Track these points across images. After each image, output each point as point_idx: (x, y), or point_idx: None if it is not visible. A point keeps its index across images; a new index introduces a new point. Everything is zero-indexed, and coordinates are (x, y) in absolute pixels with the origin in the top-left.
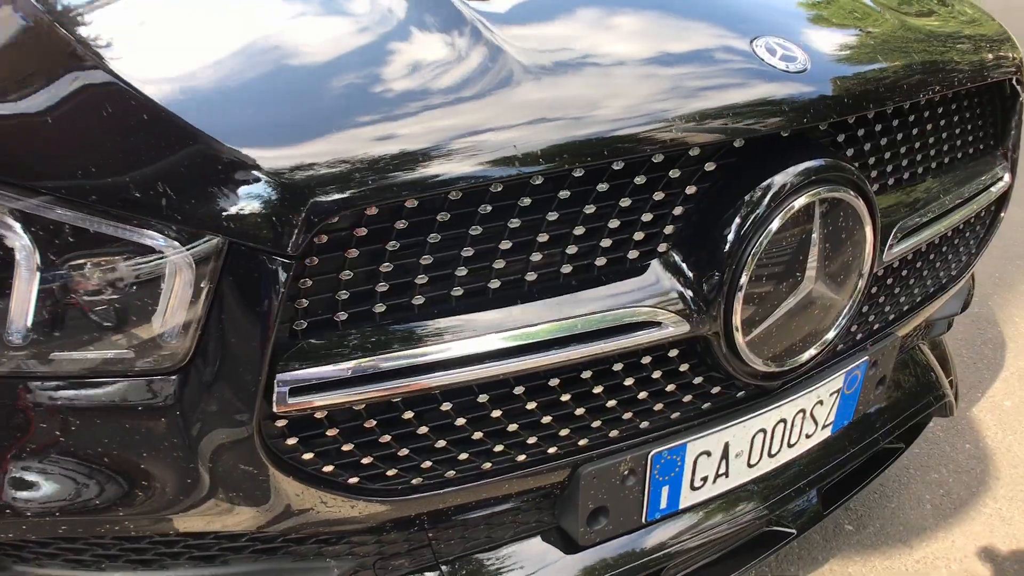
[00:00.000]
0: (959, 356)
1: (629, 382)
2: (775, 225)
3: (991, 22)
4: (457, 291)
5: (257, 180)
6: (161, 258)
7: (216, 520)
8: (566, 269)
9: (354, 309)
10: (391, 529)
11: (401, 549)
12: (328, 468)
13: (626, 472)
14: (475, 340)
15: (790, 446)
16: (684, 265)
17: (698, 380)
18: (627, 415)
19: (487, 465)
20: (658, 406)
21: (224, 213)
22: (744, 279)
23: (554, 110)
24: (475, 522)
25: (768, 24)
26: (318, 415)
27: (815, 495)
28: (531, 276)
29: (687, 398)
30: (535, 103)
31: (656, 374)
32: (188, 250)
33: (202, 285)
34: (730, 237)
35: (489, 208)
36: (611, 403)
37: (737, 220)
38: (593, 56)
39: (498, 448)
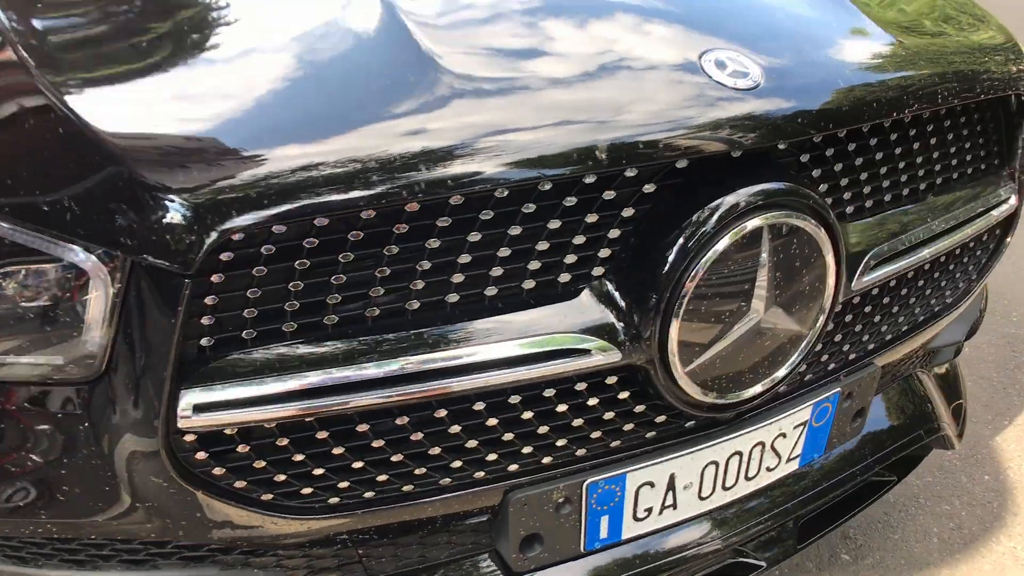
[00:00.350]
0: (988, 379)
1: (562, 408)
2: (714, 252)
3: (998, 31)
4: (372, 311)
5: (153, 199)
6: (74, 272)
7: (136, 528)
8: (491, 291)
9: (263, 327)
10: (317, 545)
11: (330, 564)
12: (240, 484)
13: (560, 500)
14: (387, 362)
15: (748, 479)
16: (618, 291)
17: (640, 409)
18: (561, 442)
19: (408, 487)
20: (595, 434)
21: (124, 231)
22: (680, 308)
23: (478, 129)
24: (408, 542)
25: (729, 35)
26: (228, 431)
27: (791, 527)
28: (453, 298)
29: (628, 427)
30: (458, 124)
31: (592, 401)
32: (100, 265)
33: (113, 300)
34: (666, 264)
35: (406, 228)
36: (543, 429)
37: (675, 246)
38: (524, 71)
39: (420, 471)
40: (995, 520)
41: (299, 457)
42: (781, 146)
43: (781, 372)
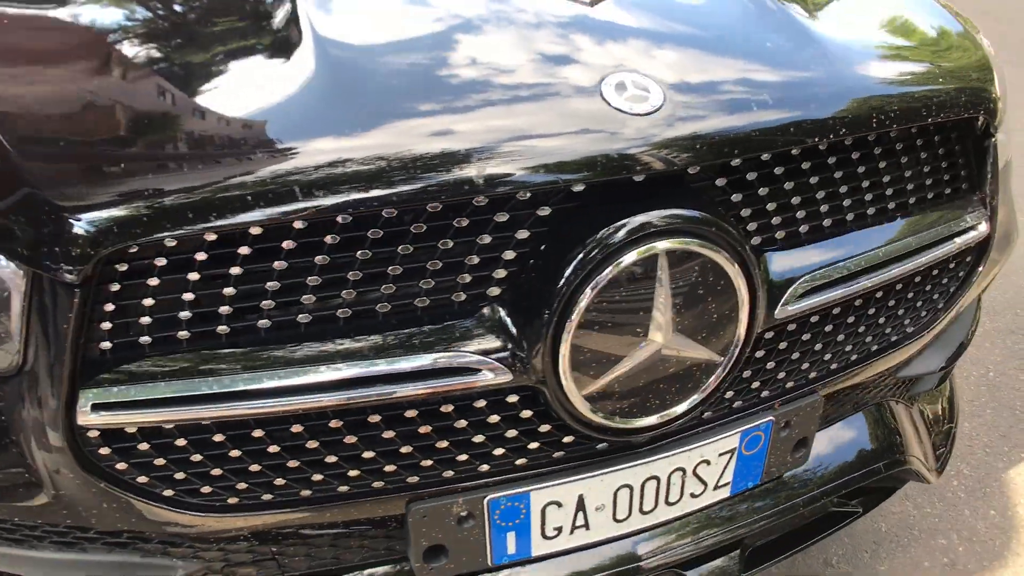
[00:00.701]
0: (1012, 409)
1: (461, 424)
2: (602, 278)
3: (967, 48)
4: (265, 324)
5: (45, 214)
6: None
7: (57, 514)
8: (384, 308)
9: (160, 334)
10: (229, 540)
11: (246, 559)
12: (143, 479)
13: (463, 514)
14: (276, 373)
15: (670, 504)
16: (512, 313)
17: (545, 429)
18: (462, 457)
19: (307, 492)
20: (498, 451)
21: (25, 243)
22: (568, 333)
23: (366, 151)
24: (320, 543)
25: (636, 57)
26: (129, 430)
27: (736, 555)
28: (345, 312)
29: (533, 446)
30: (347, 146)
31: (493, 419)
32: (15, 272)
33: (23, 305)
34: (555, 288)
35: (293, 244)
36: (441, 444)
37: (562, 271)
38: (421, 97)
39: (317, 477)
40: (995, 559)
41: (197, 458)
42: (692, 171)
43: (695, 399)
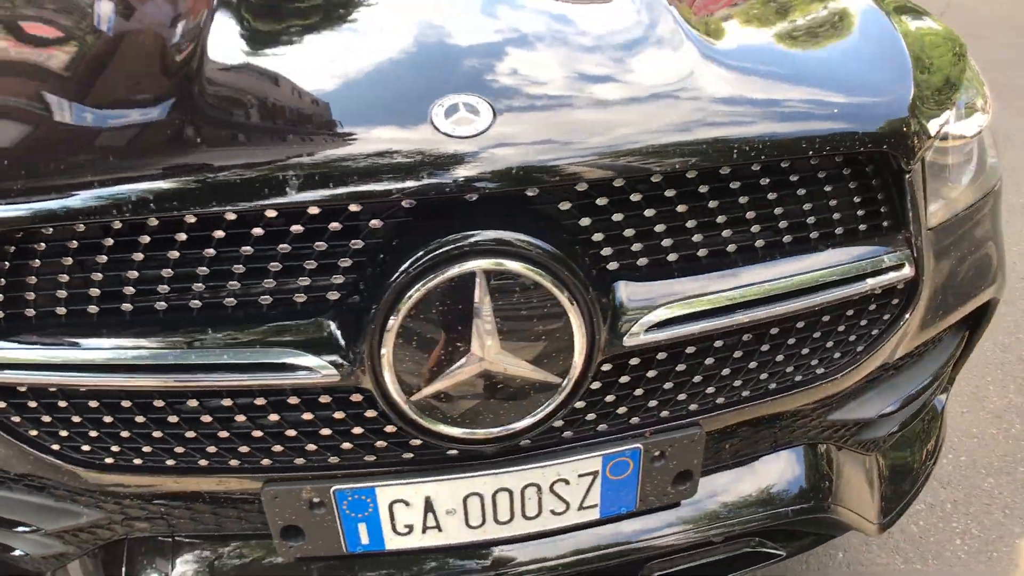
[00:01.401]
0: None
1: (308, 417)
2: (419, 291)
3: (897, 81)
4: (127, 307)
5: None
6: None
7: None
8: (231, 301)
9: (45, 308)
10: (124, 495)
11: (140, 514)
12: (34, 432)
13: (313, 500)
14: (131, 352)
15: (528, 518)
16: (344, 317)
17: (391, 429)
18: (311, 447)
19: (171, 461)
20: (345, 445)
21: None
22: (386, 341)
23: (215, 161)
24: (201, 508)
25: (472, 80)
26: (20, 388)
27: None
28: (196, 303)
29: (380, 444)
30: (193, 158)
31: (339, 415)
32: None
33: None
34: (378, 297)
35: (148, 239)
36: (291, 433)
37: (385, 282)
38: (256, 120)
39: (179, 449)
40: None
41: (76, 419)
42: (531, 193)
43: (536, 417)
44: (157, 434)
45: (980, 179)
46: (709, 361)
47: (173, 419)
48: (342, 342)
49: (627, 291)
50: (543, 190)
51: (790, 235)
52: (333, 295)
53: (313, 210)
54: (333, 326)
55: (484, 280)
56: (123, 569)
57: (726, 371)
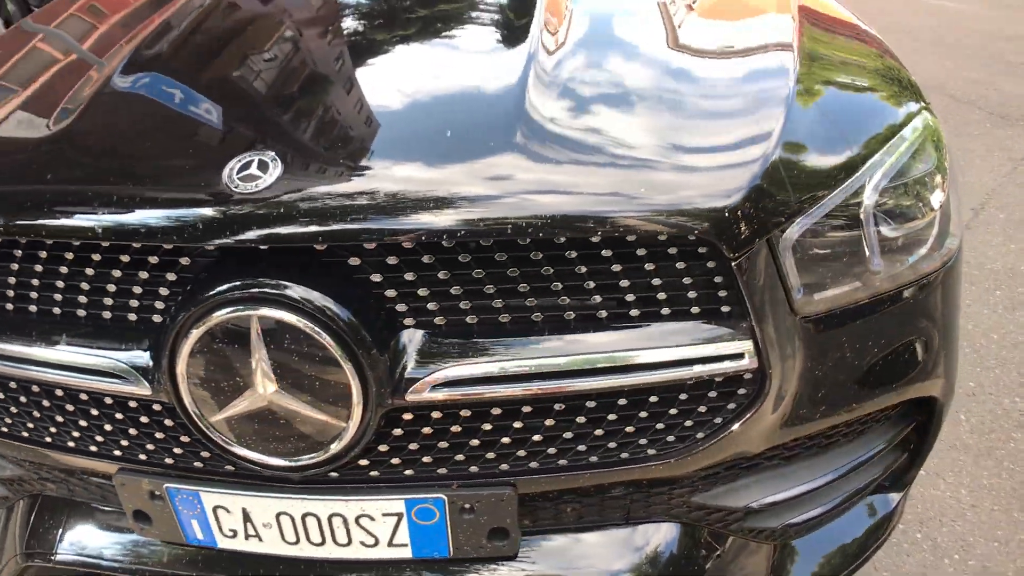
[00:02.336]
0: None
1: (145, 420)
2: (200, 329)
3: (740, 162)
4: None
5: None
6: None
7: None
8: (82, 313)
9: None
10: (20, 460)
11: (43, 476)
12: None
13: (153, 492)
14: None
15: (339, 544)
16: (156, 341)
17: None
18: (150, 446)
19: (48, 439)
20: (177, 450)
21: None
22: (177, 366)
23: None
24: (86, 482)
25: (276, 137)
26: None
27: None
28: (56, 311)
29: (205, 454)
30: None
31: (168, 423)
32: None
33: None
34: (168, 328)
35: (20, 254)
36: (134, 432)
37: (175, 317)
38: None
39: (52, 429)
40: None
41: None
42: (320, 247)
43: (323, 456)
44: (36, 414)
45: (916, 261)
46: (518, 424)
47: (46, 403)
48: (151, 363)
49: (416, 348)
50: (334, 245)
51: (605, 309)
52: (157, 318)
53: (136, 245)
54: (151, 346)
55: (259, 326)
56: (31, 517)
57: (538, 437)
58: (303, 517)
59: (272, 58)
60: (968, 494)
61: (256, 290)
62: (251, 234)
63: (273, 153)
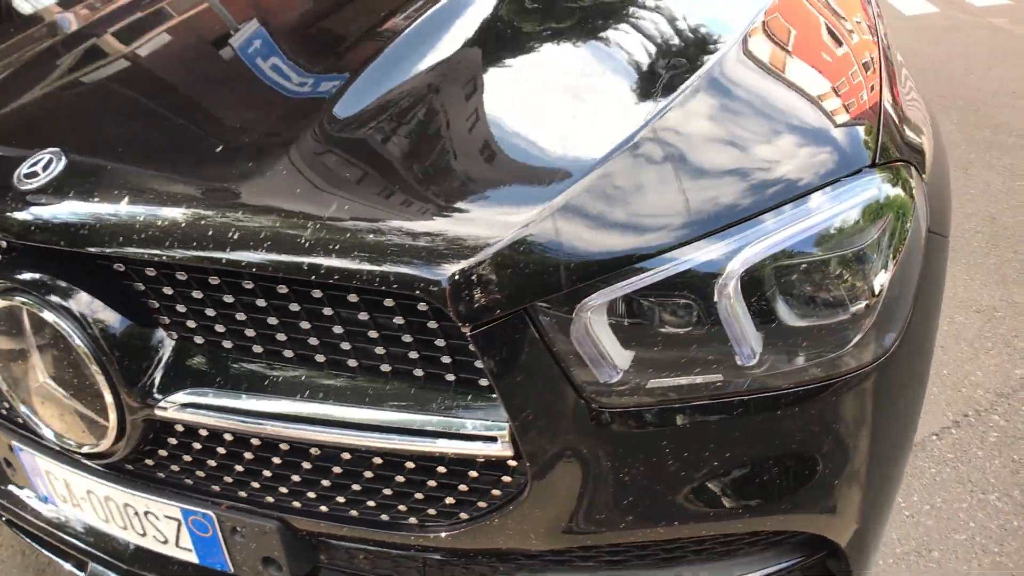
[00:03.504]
0: None
1: None
2: None
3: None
4: None
5: None
6: None
7: None
8: None
9: None
10: None
11: None
12: None
13: (8, 445)
14: None
15: (139, 534)
16: None
17: None
18: (5, 404)
19: None
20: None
21: None
22: None
23: None
24: None
25: (61, 139)
26: None
27: None
28: None
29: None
30: None
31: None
32: None
33: None
34: None
35: None
36: None
37: None
38: None
39: None
40: None
41: None
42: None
43: (94, 449)
44: None
45: (824, 358)
46: (277, 460)
47: None
48: None
49: (168, 364)
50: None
51: (356, 359)
52: None
53: None
54: None
55: (27, 318)
56: None
57: (296, 478)
58: (105, 499)
59: (76, 66)
60: None
61: (20, 283)
62: (13, 229)
63: (59, 153)
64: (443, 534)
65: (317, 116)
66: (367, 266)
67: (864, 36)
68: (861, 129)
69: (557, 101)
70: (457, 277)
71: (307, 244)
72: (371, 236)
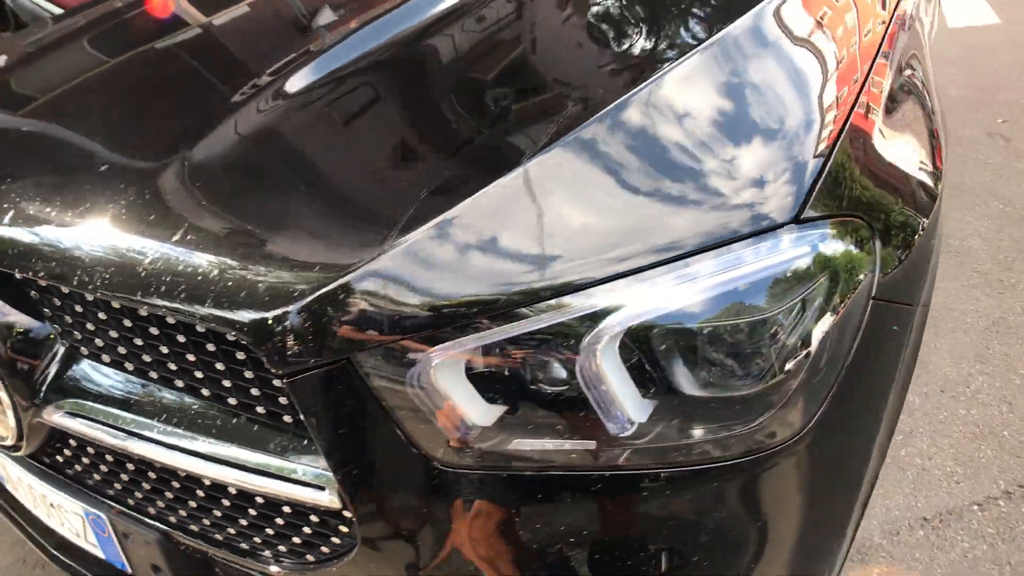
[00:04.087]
0: None
1: None
2: None
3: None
4: None
5: None
6: None
7: None
8: None
9: None
10: None
11: None
12: None
13: None
14: None
15: (46, 516)
16: None
17: None
18: None
19: None
20: None
21: None
22: None
23: None
24: None
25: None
26: None
27: None
28: None
29: None
30: None
31: None
32: None
33: None
34: None
35: None
36: None
37: None
38: None
39: None
40: None
41: None
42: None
43: (4, 442)
44: None
45: (723, 435)
46: (152, 475)
47: None
48: None
49: (56, 372)
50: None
51: (207, 389)
52: None
53: None
54: None
55: None
56: None
57: (169, 495)
58: (29, 488)
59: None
60: None
61: None
62: None
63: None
64: (294, 573)
65: (182, 145)
66: (191, 306)
67: (850, 59)
68: (793, 177)
69: (408, 140)
70: (271, 323)
71: (144, 274)
72: (200, 273)
